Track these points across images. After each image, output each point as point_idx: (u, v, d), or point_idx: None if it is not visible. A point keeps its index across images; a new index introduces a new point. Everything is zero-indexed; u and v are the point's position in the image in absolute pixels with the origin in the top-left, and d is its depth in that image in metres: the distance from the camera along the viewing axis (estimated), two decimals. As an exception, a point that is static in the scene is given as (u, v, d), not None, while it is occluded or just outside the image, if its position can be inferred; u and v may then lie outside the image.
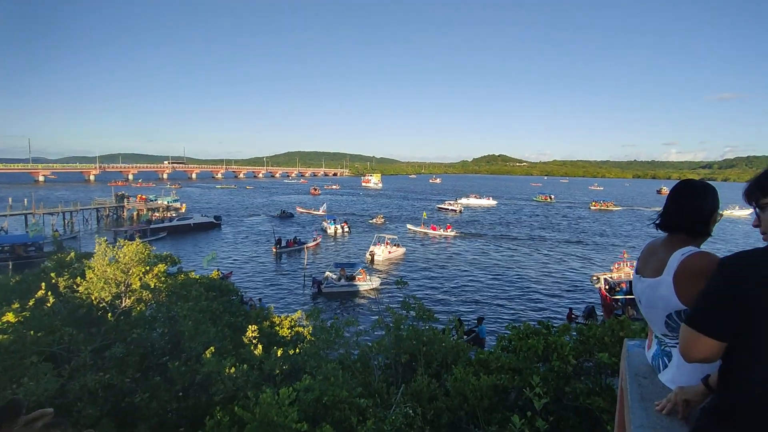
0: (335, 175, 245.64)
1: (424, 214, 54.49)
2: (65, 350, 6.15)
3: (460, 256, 36.33)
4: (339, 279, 25.73)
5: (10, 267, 22.99)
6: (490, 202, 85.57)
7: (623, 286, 21.10)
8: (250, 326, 6.12)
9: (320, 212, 61.72)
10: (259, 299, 20.09)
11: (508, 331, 6.33)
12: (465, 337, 11.39)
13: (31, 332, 6.17)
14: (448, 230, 47.95)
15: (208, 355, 5.22)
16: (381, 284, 26.67)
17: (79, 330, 6.80)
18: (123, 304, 7.84)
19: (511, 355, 5.66)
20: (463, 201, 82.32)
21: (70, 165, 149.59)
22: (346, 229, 47.34)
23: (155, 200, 58.47)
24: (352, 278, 25.92)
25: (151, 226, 43.43)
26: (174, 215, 51.87)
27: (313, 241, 40.06)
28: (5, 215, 42.61)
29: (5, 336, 5.63)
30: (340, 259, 33.50)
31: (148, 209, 54.23)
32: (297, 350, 6.51)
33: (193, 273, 9.18)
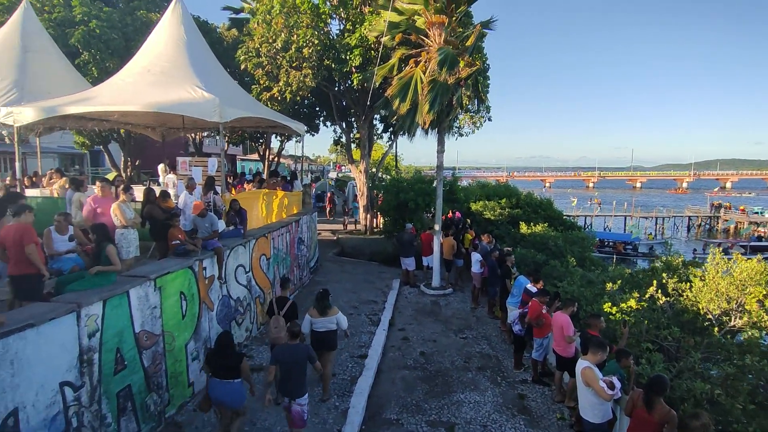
0: None
1: None
2: (674, 348, 6.46)
3: None
4: None
5: (614, 260, 27.16)
6: None
7: None
8: None
9: None
10: None
11: None
12: None
13: (645, 321, 6.95)
14: None
15: None
16: None
17: (684, 333, 6.95)
18: (732, 323, 7.23)
19: None
20: None
21: (663, 172, 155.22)
22: None
23: (762, 213, 49.32)
24: None
25: (752, 243, 37.47)
26: (787, 233, 42.26)
27: None
28: (610, 215, 50.80)
29: (629, 318, 6.65)
30: None
31: (750, 222, 46.79)
32: None
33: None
